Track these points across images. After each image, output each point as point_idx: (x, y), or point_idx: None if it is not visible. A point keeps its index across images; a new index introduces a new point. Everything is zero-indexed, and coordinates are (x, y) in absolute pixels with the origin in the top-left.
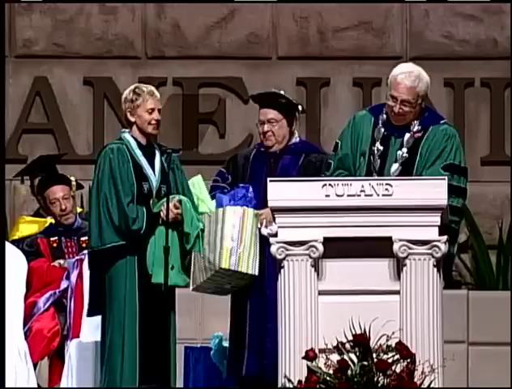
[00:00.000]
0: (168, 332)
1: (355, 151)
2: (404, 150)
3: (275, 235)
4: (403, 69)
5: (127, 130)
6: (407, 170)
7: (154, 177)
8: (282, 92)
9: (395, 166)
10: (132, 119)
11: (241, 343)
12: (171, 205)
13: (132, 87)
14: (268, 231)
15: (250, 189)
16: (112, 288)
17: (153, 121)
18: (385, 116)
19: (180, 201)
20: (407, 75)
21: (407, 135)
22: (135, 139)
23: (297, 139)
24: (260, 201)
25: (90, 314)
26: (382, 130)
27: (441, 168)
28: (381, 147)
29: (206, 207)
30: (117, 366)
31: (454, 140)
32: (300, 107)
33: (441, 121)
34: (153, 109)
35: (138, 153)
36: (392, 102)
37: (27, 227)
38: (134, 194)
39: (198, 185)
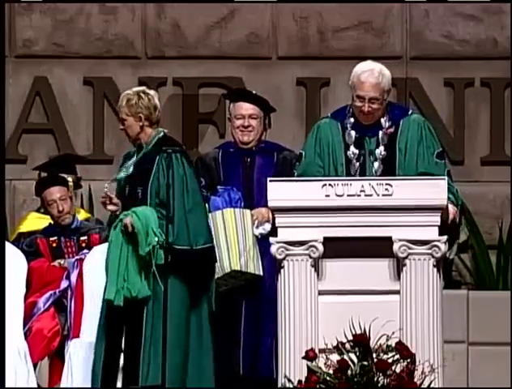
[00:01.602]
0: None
1: (323, 159)
2: (381, 148)
3: (268, 235)
4: (363, 68)
5: None
6: (388, 167)
7: (122, 179)
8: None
9: (376, 165)
10: None
11: (230, 344)
12: (127, 222)
13: None
14: (260, 231)
15: (235, 189)
16: None
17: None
18: (352, 119)
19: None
20: (370, 73)
21: (381, 133)
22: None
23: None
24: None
25: None
26: (353, 133)
27: (436, 158)
28: (356, 151)
29: None
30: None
31: (428, 126)
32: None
33: (409, 113)
34: (121, 120)
35: (134, 158)
36: (360, 102)
37: (36, 222)
38: None
39: None
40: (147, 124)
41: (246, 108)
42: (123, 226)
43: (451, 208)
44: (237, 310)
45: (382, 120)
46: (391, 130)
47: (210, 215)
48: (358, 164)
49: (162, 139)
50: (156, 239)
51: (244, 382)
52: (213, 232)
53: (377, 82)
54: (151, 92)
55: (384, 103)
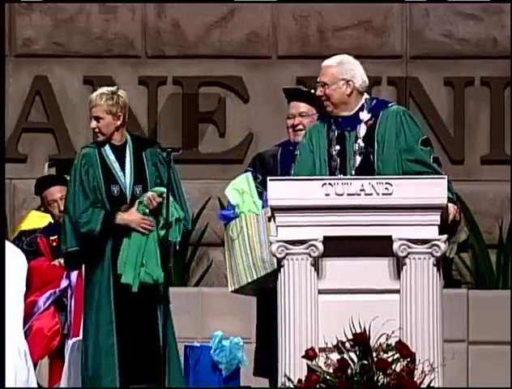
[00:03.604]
0: (155, 332)
1: (314, 158)
2: (360, 141)
3: None
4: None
5: None
6: (368, 160)
7: (124, 179)
8: (312, 91)
9: (357, 159)
10: None
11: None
12: (154, 195)
13: None
14: None
15: None
16: (86, 294)
17: (91, 130)
18: (339, 119)
19: (161, 193)
20: (329, 59)
21: (361, 126)
22: (109, 142)
23: None
24: None
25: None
26: (336, 130)
27: (420, 145)
28: (338, 147)
29: (254, 206)
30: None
31: (410, 115)
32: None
33: (389, 105)
34: (90, 118)
35: (111, 156)
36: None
37: (38, 220)
38: (100, 198)
39: (248, 182)
40: (122, 124)
41: (297, 106)
42: (147, 202)
43: (451, 207)
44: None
45: (361, 113)
46: (371, 122)
47: (262, 210)
48: (339, 159)
49: (138, 139)
50: (177, 214)
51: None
52: (264, 228)
53: (328, 65)
54: (124, 92)
55: (342, 90)
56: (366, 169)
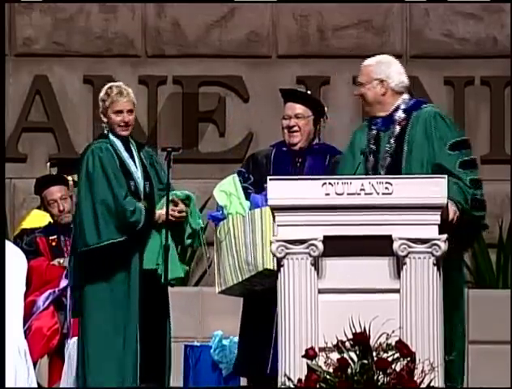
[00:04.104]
0: (166, 330)
1: (354, 159)
2: (392, 141)
3: None
4: None
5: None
6: (397, 161)
7: (137, 175)
8: (309, 92)
9: (387, 159)
10: (104, 120)
11: (262, 343)
12: (179, 204)
13: (106, 86)
14: None
15: None
16: (110, 288)
17: (121, 123)
18: (378, 119)
19: (187, 196)
20: (368, 59)
21: (395, 126)
22: (117, 138)
23: (317, 141)
24: None
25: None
26: (373, 129)
27: (448, 149)
28: (373, 147)
29: (241, 207)
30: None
31: (442, 116)
32: (326, 108)
33: (423, 106)
34: (120, 111)
35: (124, 153)
36: None
37: (39, 219)
38: (127, 189)
39: (234, 184)
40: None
41: (293, 107)
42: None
43: (451, 210)
44: (271, 311)
45: (396, 113)
46: (404, 122)
47: (249, 212)
48: (373, 159)
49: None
50: (201, 222)
51: (270, 381)
52: (250, 230)
53: (365, 64)
54: None
55: (374, 90)
56: (395, 170)
